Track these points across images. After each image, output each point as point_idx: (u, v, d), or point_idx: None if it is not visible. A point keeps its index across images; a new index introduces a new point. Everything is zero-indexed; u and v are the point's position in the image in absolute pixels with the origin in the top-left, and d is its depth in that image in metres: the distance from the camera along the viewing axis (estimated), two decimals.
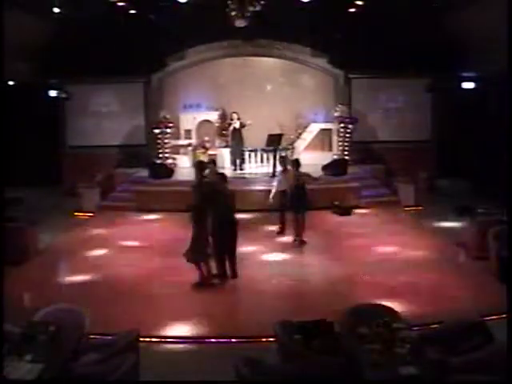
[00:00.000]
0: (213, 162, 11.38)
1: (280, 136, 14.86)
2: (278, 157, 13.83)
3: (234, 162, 15.52)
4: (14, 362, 4.45)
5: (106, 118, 16.74)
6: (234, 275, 8.66)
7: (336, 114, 16.29)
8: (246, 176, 15.02)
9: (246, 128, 15.35)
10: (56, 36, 15.04)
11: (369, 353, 4.56)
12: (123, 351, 5.04)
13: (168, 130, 15.78)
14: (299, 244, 10.42)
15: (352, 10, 14.02)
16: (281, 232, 11.06)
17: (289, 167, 10.85)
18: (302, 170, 10.71)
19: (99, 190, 14.47)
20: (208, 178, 9.74)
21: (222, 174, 9.22)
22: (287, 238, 10.78)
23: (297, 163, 10.59)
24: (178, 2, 13.46)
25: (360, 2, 13.68)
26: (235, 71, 17.15)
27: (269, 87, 17.13)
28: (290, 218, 10.74)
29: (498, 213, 9.81)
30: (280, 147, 14.88)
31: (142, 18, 14.33)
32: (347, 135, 15.98)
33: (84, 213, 13.53)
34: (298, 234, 10.47)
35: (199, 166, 10.12)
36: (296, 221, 10.46)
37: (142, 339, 5.78)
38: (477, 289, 8.12)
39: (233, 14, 13.08)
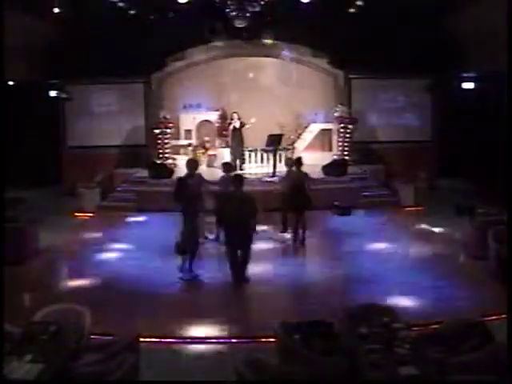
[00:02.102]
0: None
1: (280, 136, 14.87)
2: (282, 156, 13.83)
3: (234, 162, 15.51)
4: (14, 362, 4.45)
5: (106, 118, 16.71)
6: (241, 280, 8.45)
7: (336, 114, 16.28)
8: (246, 176, 14.99)
9: (246, 127, 15.35)
10: (56, 36, 15.04)
11: (369, 353, 4.56)
12: (123, 351, 5.04)
13: (168, 130, 15.76)
14: (300, 244, 10.42)
15: (352, 10, 14.01)
16: (284, 231, 11.04)
17: (293, 168, 10.85)
18: (303, 169, 10.74)
19: (99, 190, 14.47)
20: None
21: (237, 176, 8.83)
22: (287, 238, 10.79)
23: (299, 162, 10.64)
24: (178, 2, 13.47)
25: (360, 2, 13.67)
26: (235, 71, 17.15)
27: (269, 87, 17.12)
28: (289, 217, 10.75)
29: (497, 213, 9.81)
30: (280, 147, 14.88)
31: (142, 18, 14.32)
32: (347, 135, 15.96)
33: (84, 213, 13.53)
34: (300, 233, 10.48)
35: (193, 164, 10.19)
36: (297, 221, 10.47)
37: (142, 339, 5.78)
38: (477, 289, 8.12)
39: (233, 14, 13.09)
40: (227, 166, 10.94)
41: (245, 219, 8.15)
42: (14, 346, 4.67)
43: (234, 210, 8.14)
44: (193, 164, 9.55)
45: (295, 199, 10.35)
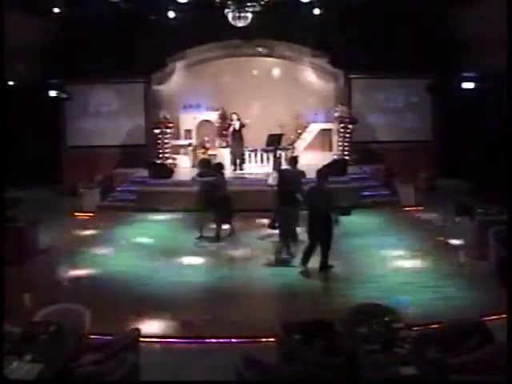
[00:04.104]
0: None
1: (280, 136, 14.87)
2: (282, 156, 14.00)
3: (234, 162, 15.53)
4: (14, 362, 4.45)
5: (106, 118, 16.72)
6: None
7: (336, 114, 16.29)
8: (246, 176, 15.02)
9: (245, 128, 15.36)
10: (56, 36, 15.03)
11: (369, 353, 4.55)
12: (123, 351, 5.04)
13: (168, 130, 15.77)
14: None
15: (352, 10, 14.01)
16: (271, 226, 11.12)
17: (286, 166, 11.03)
18: (303, 169, 10.79)
19: (99, 189, 14.47)
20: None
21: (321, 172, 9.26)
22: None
23: (294, 161, 10.78)
24: (178, 2, 13.47)
25: (360, 2, 13.68)
26: (235, 71, 17.15)
27: (269, 87, 17.11)
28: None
29: (497, 213, 9.80)
30: (280, 147, 14.89)
31: (142, 17, 14.32)
32: (347, 135, 15.96)
33: (84, 213, 13.52)
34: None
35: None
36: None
37: (142, 339, 5.78)
38: (477, 289, 8.12)
39: (232, 14, 13.09)
40: (219, 166, 11.29)
41: (327, 212, 8.73)
42: (13, 345, 4.67)
43: (320, 203, 8.70)
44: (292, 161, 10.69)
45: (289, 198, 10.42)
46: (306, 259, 8.94)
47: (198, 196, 11.09)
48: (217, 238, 10.83)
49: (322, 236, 8.79)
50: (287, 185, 10.03)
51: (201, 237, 10.95)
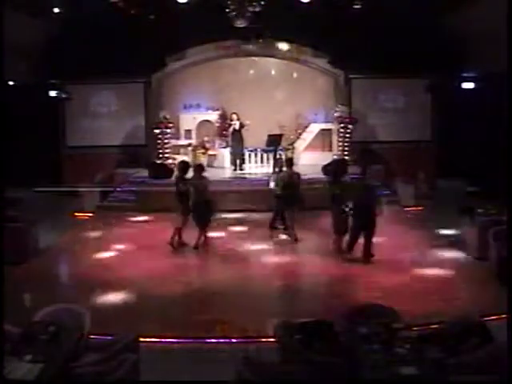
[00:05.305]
0: None
1: (280, 136, 14.88)
2: (282, 156, 14.06)
3: (234, 162, 15.53)
4: (13, 362, 4.45)
5: (106, 118, 16.71)
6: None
7: (336, 114, 16.29)
8: (246, 176, 15.02)
9: (245, 128, 15.36)
10: (56, 36, 15.03)
11: (369, 353, 4.55)
12: (123, 351, 5.04)
13: (168, 130, 15.76)
14: (293, 240, 10.63)
15: (352, 10, 14.00)
16: (271, 226, 11.30)
17: (284, 168, 11.06)
18: (303, 169, 10.84)
19: (99, 189, 14.47)
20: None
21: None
22: (285, 238, 10.89)
23: (290, 163, 10.94)
24: (178, 2, 13.47)
25: (360, 2, 13.67)
26: (235, 71, 17.14)
27: (269, 87, 17.11)
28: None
29: (497, 213, 9.81)
30: (280, 147, 14.90)
31: (142, 17, 14.31)
32: (347, 135, 15.96)
33: (84, 213, 13.52)
34: (292, 230, 10.73)
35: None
36: (290, 218, 10.73)
37: (142, 339, 5.78)
38: (477, 289, 8.12)
39: (233, 14, 13.09)
40: (199, 168, 10.82)
41: (369, 204, 9.33)
42: (13, 345, 4.67)
43: (360, 197, 9.37)
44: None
45: (286, 198, 10.47)
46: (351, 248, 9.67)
47: (175, 201, 10.43)
48: (196, 246, 10.34)
49: (366, 227, 9.35)
50: (295, 187, 10.48)
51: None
